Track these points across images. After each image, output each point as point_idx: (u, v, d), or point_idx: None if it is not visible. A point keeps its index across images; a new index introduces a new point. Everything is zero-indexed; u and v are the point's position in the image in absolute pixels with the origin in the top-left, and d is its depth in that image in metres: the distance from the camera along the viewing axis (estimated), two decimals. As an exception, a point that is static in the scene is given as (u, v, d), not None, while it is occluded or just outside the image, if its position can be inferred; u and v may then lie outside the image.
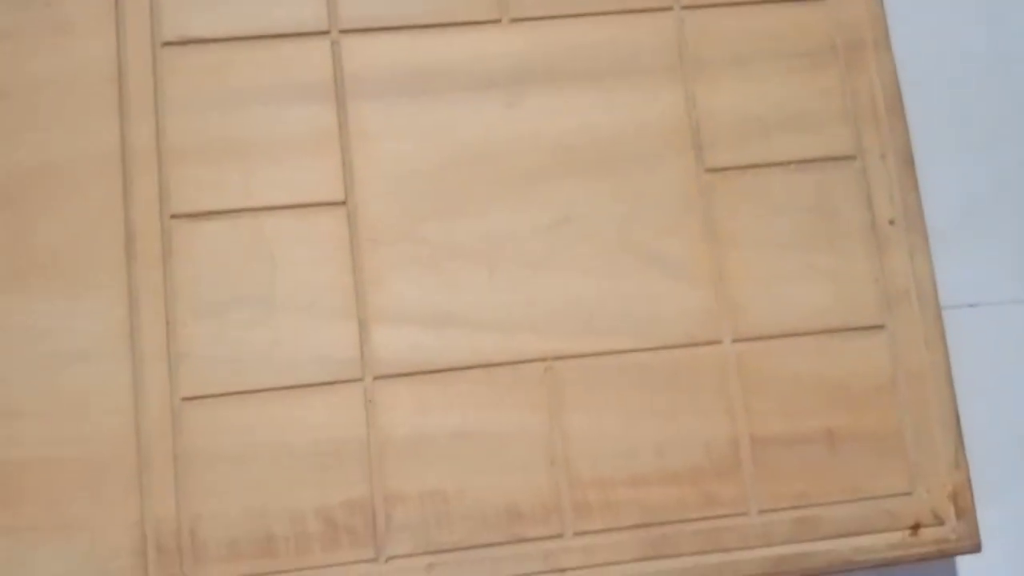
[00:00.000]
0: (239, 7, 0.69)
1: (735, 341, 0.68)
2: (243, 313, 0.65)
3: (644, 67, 0.71)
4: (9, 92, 0.66)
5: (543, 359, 0.67)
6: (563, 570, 0.64)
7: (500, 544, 0.64)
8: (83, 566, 0.62)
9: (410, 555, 0.64)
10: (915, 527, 0.66)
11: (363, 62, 0.69)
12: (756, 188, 0.70)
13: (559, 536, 0.65)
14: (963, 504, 0.67)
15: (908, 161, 0.71)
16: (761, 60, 0.72)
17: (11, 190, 0.66)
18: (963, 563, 0.74)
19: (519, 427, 0.66)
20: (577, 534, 0.65)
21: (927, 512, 0.67)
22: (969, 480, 0.67)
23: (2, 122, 0.66)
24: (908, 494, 0.67)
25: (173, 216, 0.66)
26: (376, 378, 0.65)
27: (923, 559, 0.66)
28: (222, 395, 0.64)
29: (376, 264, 0.67)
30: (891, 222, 0.70)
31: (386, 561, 0.63)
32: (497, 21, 0.70)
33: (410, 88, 0.69)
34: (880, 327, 0.69)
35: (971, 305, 0.78)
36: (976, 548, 0.67)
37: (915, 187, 0.71)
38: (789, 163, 0.70)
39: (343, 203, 0.67)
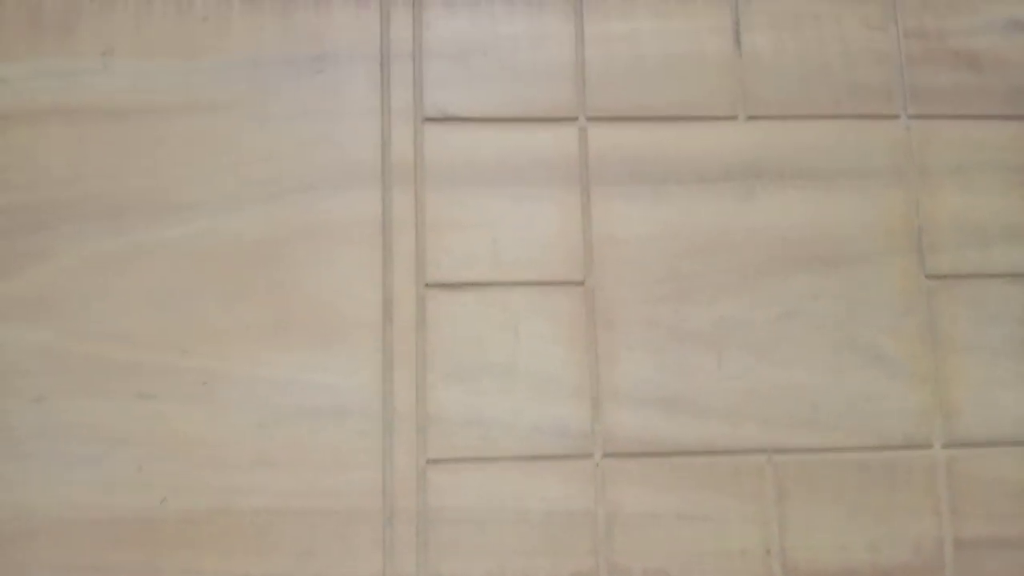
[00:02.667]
0: (496, 90, 0.73)
1: (946, 446, 0.71)
2: (488, 382, 0.69)
3: (871, 170, 0.74)
4: (280, 153, 0.71)
5: (765, 450, 0.70)
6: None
7: (722, 624, 0.67)
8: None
9: (637, 628, 0.67)
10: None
11: (607, 148, 0.73)
12: (974, 295, 0.73)
13: (777, 621, 0.68)
14: None
15: (1119, 280, 0.74)
16: (981, 171, 0.75)
17: (279, 246, 0.69)
18: None
19: (739, 514, 0.69)
20: (795, 620, 0.68)
21: None
22: None
23: (273, 179, 0.70)
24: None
25: (428, 284, 0.70)
26: (606, 455, 0.69)
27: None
28: (466, 460, 0.67)
29: (611, 344, 0.70)
30: (1100, 338, 0.73)
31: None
32: (734, 118, 0.74)
33: (651, 176, 0.73)
34: (1089, 441, 0.72)
35: None
36: None
37: (1125, 305, 0.74)
38: (1005, 276, 0.73)
39: (581, 283, 0.71)
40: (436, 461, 0.67)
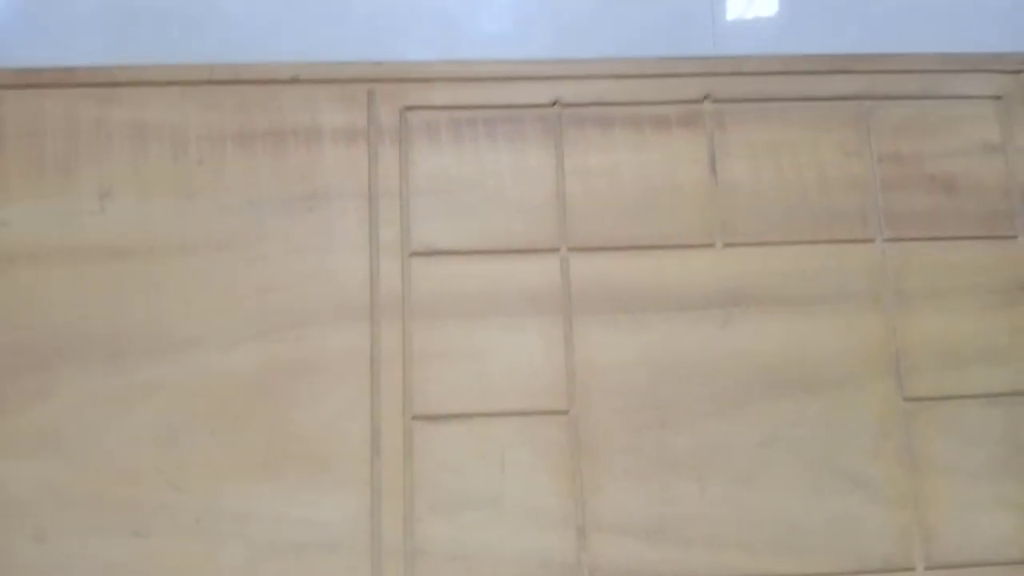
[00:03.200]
0: (481, 223, 0.75)
1: (928, 568, 0.71)
2: (475, 513, 0.70)
3: (848, 294, 0.76)
4: (273, 290, 0.73)
5: None
6: None
7: None
8: None
9: None
10: None
11: (589, 278, 0.75)
12: (952, 417, 0.74)
13: None
14: None
15: (1096, 400, 0.75)
16: (957, 294, 0.76)
17: (270, 382, 0.72)
18: None
19: (724, 640, 0.70)
20: None
21: None
22: None
23: (266, 315, 0.72)
24: None
25: (414, 417, 0.72)
26: (592, 583, 0.70)
27: None
28: (453, 592, 0.69)
29: (595, 473, 0.72)
30: (1078, 458, 0.74)
31: None
32: (712, 245, 0.76)
33: (631, 305, 0.75)
34: (1069, 564, 0.73)
35: None
36: None
37: (1102, 425, 0.75)
38: (982, 396, 0.74)
39: (566, 412, 0.73)
40: (424, 594, 0.69)
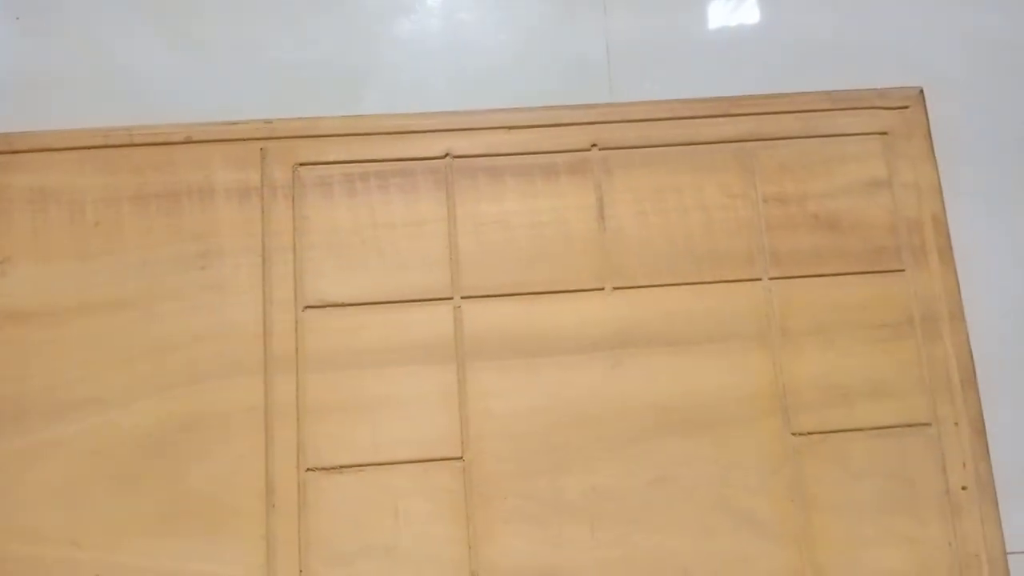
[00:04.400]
0: (373, 276, 0.77)
1: (818, 602, 0.73)
2: (369, 563, 0.71)
3: (735, 334, 0.77)
4: (168, 347, 0.75)
5: (640, 615, 0.72)
6: None
7: None
8: None
9: None
10: None
11: (481, 326, 0.77)
12: (839, 452, 0.76)
13: None
14: None
15: (980, 430, 0.76)
16: (843, 330, 0.78)
17: (167, 438, 0.73)
18: None
19: None
20: None
21: None
22: None
23: (162, 373, 0.74)
24: None
25: (309, 469, 0.73)
26: (486, 628, 0.71)
27: None
28: (347, 642, 0.70)
29: (488, 518, 0.73)
30: (963, 488, 0.76)
31: None
32: (600, 289, 0.78)
33: (523, 350, 0.76)
34: (955, 593, 0.74)
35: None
36: None
37: (986, 455, 0.76)
38: (869, 430, 0.76)
39: (460, 458, 0.74)
40: (318, 645, 0.70)
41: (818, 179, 0.81)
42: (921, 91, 0.84)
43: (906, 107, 0.84)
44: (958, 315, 0.79)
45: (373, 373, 0.75)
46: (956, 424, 0.77)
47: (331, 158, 0.79)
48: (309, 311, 0.76)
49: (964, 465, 0.76)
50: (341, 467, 0.73)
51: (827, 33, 0.89)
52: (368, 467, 0.73)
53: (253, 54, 0.84)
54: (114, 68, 0.83)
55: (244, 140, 0.78)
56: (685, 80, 0.87)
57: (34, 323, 0.75)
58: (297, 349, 0.75)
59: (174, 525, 0.72)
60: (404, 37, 0.87)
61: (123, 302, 0.75)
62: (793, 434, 0.76)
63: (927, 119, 0.83)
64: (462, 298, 0.77)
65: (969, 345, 0.78)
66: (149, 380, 0.74)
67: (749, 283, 0.79)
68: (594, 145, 0.80)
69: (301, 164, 0.78)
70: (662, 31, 0.88)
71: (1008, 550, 0.75)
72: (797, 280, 0.79)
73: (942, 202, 0.81)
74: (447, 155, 0.79)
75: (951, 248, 0.80)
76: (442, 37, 0.87)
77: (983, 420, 0.77)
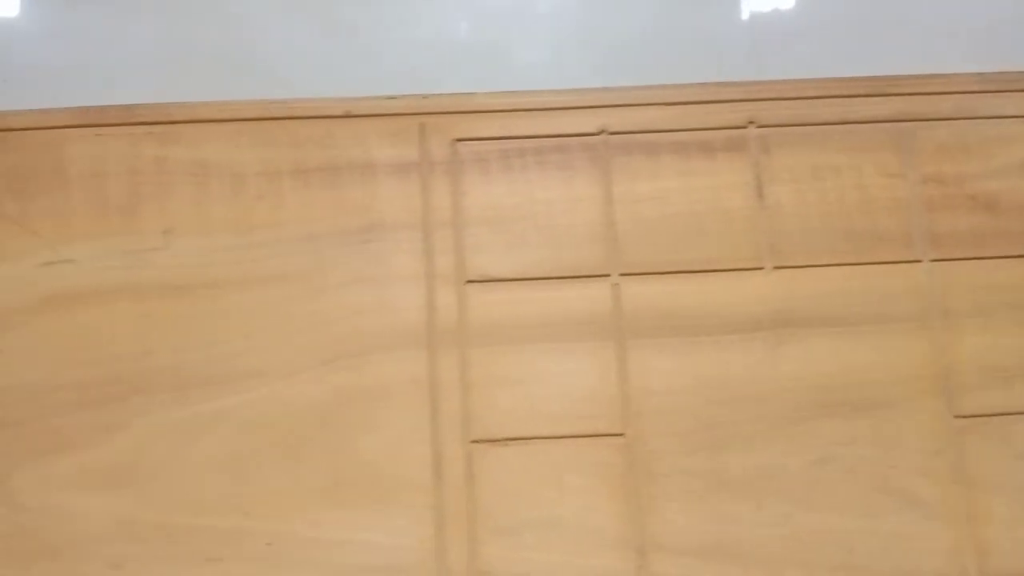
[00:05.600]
0: (533, 251, 0.77)
1: (983, 583, 0.73)
2: (535, 535, 0.72)
3: (895, 315, 0.77)
4: (332, 321, 0.75)
5: (806, 593, 0.72)
6: None
7: None
8: None
9: None
10: None
11: (640, 303, 0.76)
12: (1002, 434, 0.75)
13: None
14: None
15: None
16: (1003, 311, 0.77)
17: (332, 410, 0.74)
18: None
19: (783, 657, 0.71)
20: None
21: None
22: None
23: (326, 345, 0.74)
24: None
25: (474, 441, 0.73)
26: (651, 603, 0.71)
27: None
28: (517, 614, 0.70)
29: (650, 494, 0.73)
30: None
31: None
32: (760, 268, 0.77)
33: (682, 328, 0.76)
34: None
35: None
36: None
37: None
38: (1029, 413, 0.76)
39: (621, 435, 0.74)
40: (488, 617, 0.70)
41: (975, 160, 0.80)
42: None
43: (1058, 88, 0.83)
44: (1119, 298, 0.78)
45: (533, 348, 0.75)
46: (1119, 408, 0.76)
47: (488, 134, 0.78)
48: (471, 285, 0.76)
49: None
50: (506, 440, 0.74)
51: (975, 11, 0.88)
52: (532, 440, 0.74)
53: (403, 32, 0.84)
54: (267, 43, 0.84)
55: (402, 115, 0.78)
56: (829, 58, 0.86)
57: (196, 295, 0.75)
58: (460, 323, 0.75)
59: (342, 496, 0.72)
60: (543, 11, 0.87)
61: (286, 275, 0.76)
62: (955, 416, 0.75)
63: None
64: (620, 275, 0.77)
65: None
66: (312, 353, 0.75)
67: (908, 264, 0.78)
68: (751, 122, 0.79)
69: (459, 140, 0.78)
70: (804, 7, 0.88)
71: None
72: (958, 262, 0.78)
73: (1102, 184, 0.81)
74: (602, 132, 0.79)
75: (1112, 230, 0.80)
76: (580, 13, 0.87)
77: None
